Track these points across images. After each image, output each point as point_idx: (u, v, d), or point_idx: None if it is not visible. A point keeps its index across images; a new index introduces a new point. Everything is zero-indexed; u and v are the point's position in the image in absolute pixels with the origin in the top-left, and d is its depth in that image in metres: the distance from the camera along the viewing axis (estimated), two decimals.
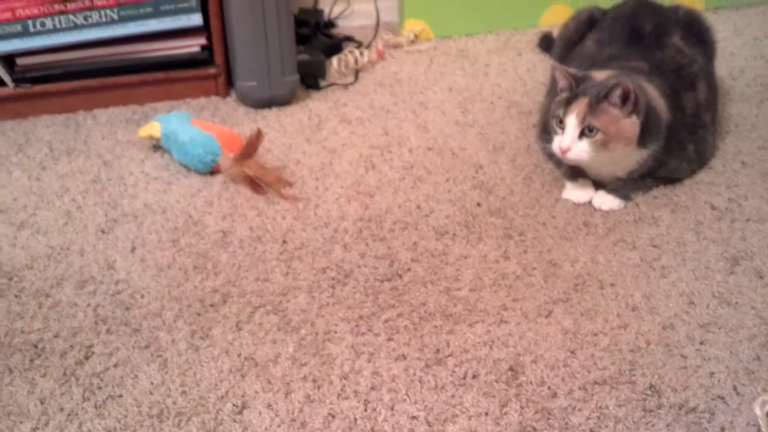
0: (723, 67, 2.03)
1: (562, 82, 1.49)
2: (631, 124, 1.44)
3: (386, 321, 1.26)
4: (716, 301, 1.30)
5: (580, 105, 1.43)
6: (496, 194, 1.58)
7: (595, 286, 1.33)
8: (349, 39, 2.26)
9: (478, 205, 1.55)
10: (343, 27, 2.34)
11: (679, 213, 1.51)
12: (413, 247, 1.43)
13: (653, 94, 1.51)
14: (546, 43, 2.15)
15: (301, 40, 2.15)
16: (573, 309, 1.29)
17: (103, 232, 1.47)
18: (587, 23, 1.79)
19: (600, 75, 1.49)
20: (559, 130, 1.47)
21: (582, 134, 1.44)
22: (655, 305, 1.29)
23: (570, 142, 1.44)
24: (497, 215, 1.52)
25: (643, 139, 1.47)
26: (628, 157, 1.49)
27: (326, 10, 2.33)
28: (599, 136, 1.43)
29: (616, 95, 1.42)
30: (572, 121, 1.44)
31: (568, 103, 1.45)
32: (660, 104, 1.51)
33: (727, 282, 1.34)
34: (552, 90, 1.77)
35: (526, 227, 1.48)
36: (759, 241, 1.43)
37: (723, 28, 2.28)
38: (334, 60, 2.08)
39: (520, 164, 1.68)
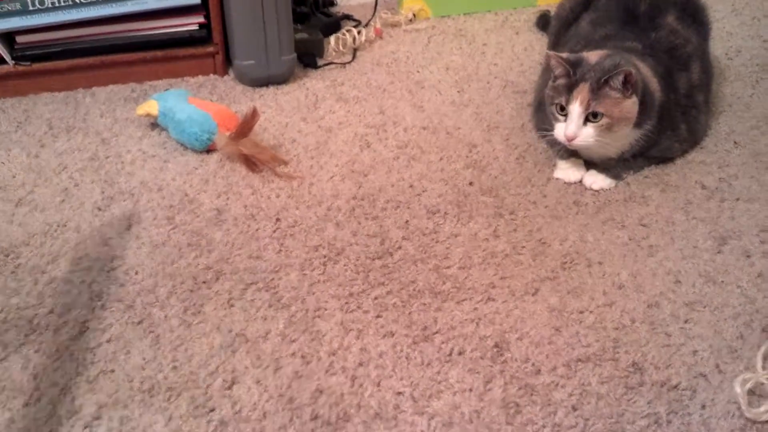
0: (720, 46, 2.03)
1: (558, 69, 1.49)
2: (632, 105, 1.45)
3: (376, 298, 1.28)
4: (702, 279, 1.31)
5: (583, 91, 1.44)
6: (488, 173, 1.59)
7: (583, 265, 1.35)
8: (348, 18, 2.26)
9: (471, 184, 1.56)
10: (342, 5, 2.34)
11: (669, 192, 1.52)
12: (405, 225, 1.45)
13: (646, 73, 1.52)
14: (544, 22, 2.15)
15: (300, 18, 2.16)
16: (560, 287, 1.30)
17: (99, 209, 1.49)
18: (583, 3, 1.79)
19: (593, 56, 1.49)
20: (561, 117, 1.47)
21: (587, 120, 1.45)
22: (641, 283, 1.31)
23: (576, 129, 1.45)
24: (489, 194, 1.53)
25: (638, 119, 1.47)
26: (623, 138, 1.50)
27: None
28: (604, 121, 1.44)
29: (618, 80, 1.42)
30: (576, 108, 1.44)
31: (569, 89, 1.46)
32: (653, 83, 1.52)
33: (714, 261, 1.35)
34: (546, 70, 1.77)
35: (517, 206, 1.50)
36: (747, 221, 1.44)
37: (722, 7, 2.28)
38: (332, 39, 2.09)
39: (513, 143, 1.69)
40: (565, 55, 1.49)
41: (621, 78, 1.42)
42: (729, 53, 2.03)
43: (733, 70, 1.95)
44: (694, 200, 1.50)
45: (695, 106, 1.62)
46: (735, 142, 1.66)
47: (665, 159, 1.58)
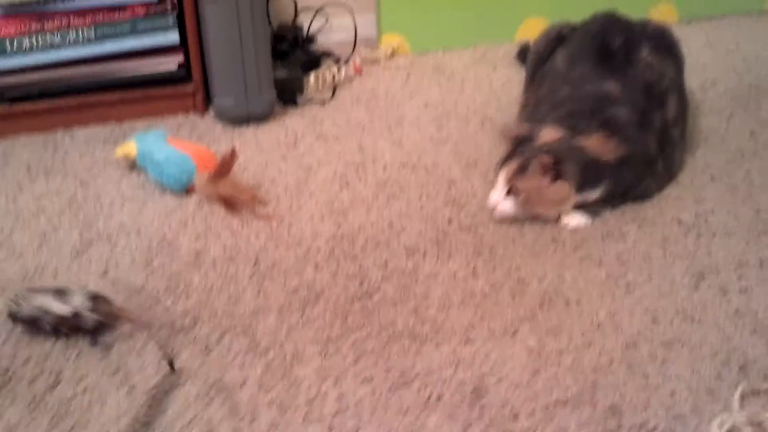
0: (695, 79, 2.05)
1: (506, 142, 1.57)
2: (556, 191, 1.49)
3: (354, 342, 1.28)
4: (680, 317, 1.32)
5: (511, 167, 1.50)
6: (467, 210, 1.60)
7: (561, 304, 1.35)
8: (328, 54, 2.27)
9: (450, 221, 1.57)
10: (322, 42, 2.35)
11: (646, 228, 1.53)
12: (384, 265, 1.45)
13: (594, 145, 1.51)
14: (524, 54, 2.16)
15: (280, 56, 2.17)
16: (539, 327, 1.31)
17: (77, 253, 1.49)
18: (556, 40, 1.81)
19: (546, 135, 1.53)
20: (497, 182, 1.54)
21: (510, 192, 1.50)
22: (619, 322, 1.31)
23: (497, 198, 1.52)
24: (468, 232, 1.54)
25: (583, 187, 1.50)
26: (568, 203, 1.52)
27: (305, 25, 2.34)
28: (522, 198, 1.50)
29: (535, 166, 1.47)
30: (501, 180, 1.52)
31: (504, 161, 1.54)
32: (607, 150, 1.52)
33: (692, 298, 1.36)
34: (523, 111, 1.79)
35: (496, 243, 1.50)
36: (724, 256, 1.45)
37: (696, 39, 2.31)
38: (312, 76, 2.10)
39: (491, 180, 1.69)
40: (516, 130, 1.57)
41: (536, 165, 1.47)
42: (704, 85, 2.05)
43: (708, 103, 1.97)
44: (671, 236, 1.51)
45: (671, 143, 1.63)
46: (711, 176, 1.68)
47: (643, 197, 1.59)
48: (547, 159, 1.46)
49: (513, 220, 1.55)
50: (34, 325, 1.26)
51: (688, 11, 2.45)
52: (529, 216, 1.53)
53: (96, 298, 1.26)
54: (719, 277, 1.40)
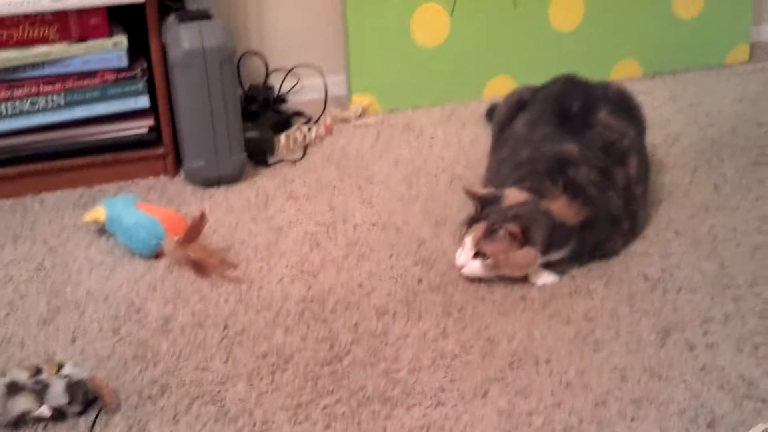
0: (658, 134, 2.09)
1: (472, 203, 1.58)
2: (523, 256, 1.51)
3: (324, 408, 1.27)
4: (647, 375, 1.33)
5: (478, 229, 1.52)
6: (437, 270, 1.61)
7: (531, 363, 1.36)
8: (299, 114, 2.30)
9: (420, 281, 1.58)
10: (294, 102, 2.38)
11: (613, 285, 1.55)
12: (354, 327, 1.45)
13: (560, 207, 1.54)
14: (492, 113, 2.20)
15: (251, 116, 2.19)
16: (509, 387, 1.31)
17: (45, 322, 1.48)
18: (518, 105, 1.85)
19: (511, 198, 1.55)
20: (462, 244, 1.54)
21: (477, 255, 1.52)
22: (588, 381, 1.32)
23: (465, 260, 1.53)
24: (437, 292, 1.54)
25: (549, 250, 1.52)
26: (534, 266, 1.54)
27: (276, 85, 2.38)
28: (490, 261, 1.51)
29: (502, 233, 1.49)
30: (468, 243, 1.53)
31: (470, 223, 1.55)
32: (570, 213, 1.54)
33: (659, 355, 1.37)
34: (488, 170, 1.82)
35: (466, 303, 1.51)
36: (690, 312, 1.47)
37: (660, 94, 2.36)
38: (283, 136, 2.12)
39: (460, 238, 1.71)
40: (481, 191, 1.59)
41: (503, 233, 1.49)
42: (667, 140, 2.09)
43: (671, 157, 2.01)
44: (638, 292, 1.52)
45: (635, 200, 1.66)
46: (676, 231, 1.70)
47: (609, 255, 1.62)
48: (514, 228, 1.48)
49: (480, 279, 1.56)
50: (16, 425, 1.24)
51: (652, 66, 2.51)
52: (494, 277, 1.54)
53: (72, 386, 1.24)
54: (685, 333, 1.42)
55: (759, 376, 1.31)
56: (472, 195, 1.57)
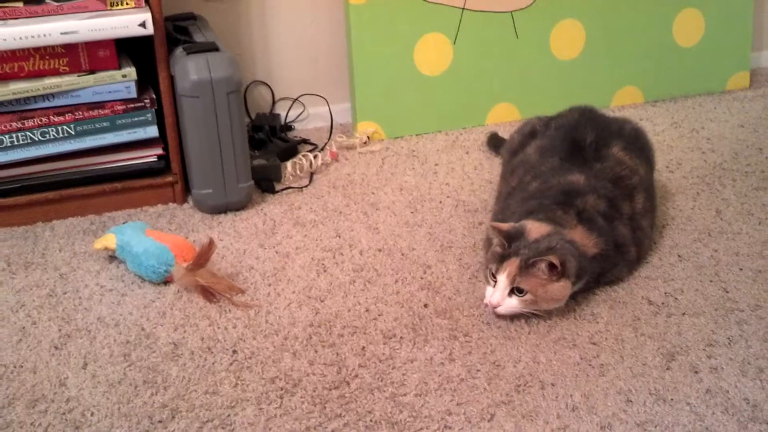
0: (661, 160, 2.12)
1: (495, 239, 1.54)
2: (560, 288, 1.50)
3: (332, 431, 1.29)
4: (652, 398, 1.34)
5: (512, 265, 1.49)
6: (442, 294, 1.63)
7: (537, 387, 1.37)
8: (305, 141, 2.34)
9: (425, 306, 1.60)
10: (300, 130, 2.42)
11: (617, 309, 1.56)
12: (361, 352, 1.47)
13: (581, 236, 1.55)
14: (493, 142, 2.23)
15: (257, 144, 2.23)
16: (515, 411, 1.32)
17: (56, 348, 1.50)
18: (531, 134, 1.87)
19: (534, 231, 1.52)
20: (492, 282, 1.52)
21: (512, 292, 1.50)
22: (593, 405, 1.33)
23: (500, 299, 1.50)
24: (443, 316, 1.56)
25: (577, 281, 1.53)
26: (566, 297, 1.54)
27: (282, 114, 2.41)
28: (528, 297, 1.49)
29: (543, 266, 1.47)
30: (503, 280, 1.49)
31: (501, 260, 1.51)
32: (589, 243, 1.55)
33: (663, 378, 1.38)
34: (499, 198, 1.83)
35: (471, 327, 1.53)
36: (694, 335, 1.48)
37: (661, 121, 2.39)
38: (289, 164, 2.15)
39: (466, 263, 1.73)
40: (505, 226, 1.53)
41: (545, 265, 1.47)
42: (670, 166, 2.12)
43: (674, 182, 2.03)
44: (642, 316, 1.54)
45: (640, 228, 1.67)
46: (679, 256, 1.72)
47: (615, 281, 1.63)
48: (555, 260, 1.46)
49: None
50: None
51: (653, 93, 2.54)
52: (528, 312, 1.52)
53: None
54: (689, 356, 1.43)
55: (763, 399, 1.32)
56: (497, 231, 1.52)
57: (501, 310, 1.51)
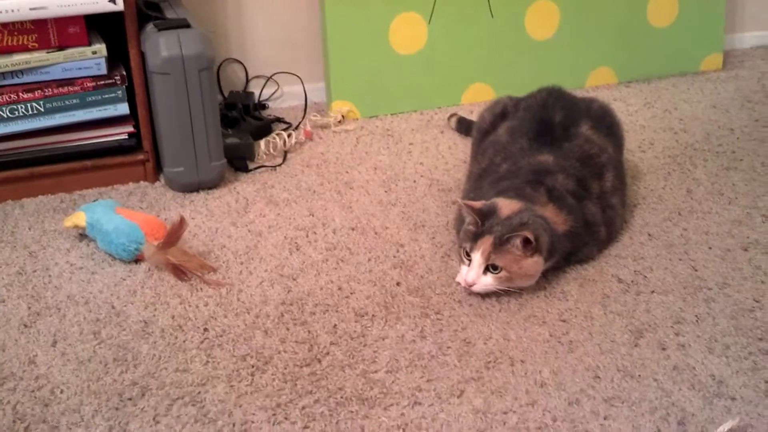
0: (633, 140, 2.13)
1: (468, 218, 1.54)
2: (534, 264, 1.51)
3: (303, 408, 1.29)
4: (620, 374, 1.35)
5: (486, 243, 1.49)
6: (415, 273, 1.63)
7: (506, 363, 1.38)
8: (279, 120, 2.32)
9: (398, 284, 1.60)
10: (274, 108, 2.41)
11: (587, 287, 1.57)
12: (333, 330, 1.47)
13: (551, 213, 1.56)
14: (463, 125, 2.22)
15: (231, 122, 2.21)
16: (484, 387, 1.33)
17: (25, 326, 1.49)
18: (501, 114, 1.87)
19: (506, 208, 1.53)
20: (466, 261, 1.53)
21: (487, 269, 1.50)
22: (562, 381, 1.34)
23: (475, 277, 1.50)
24: (415, 294, 1.57)
25: (549, 257, 1.54)
26: (539, 273, 1.55)
27: (256, 92, 2.39)
28: (503, 273, 1.50)
29: (517, 242, 1.48)
30: (477, 258, 1.50)
31: (475, 238, 1.51)
32: (559, 220, 1.56)
33: (631, 355, 1.40)
34: (470, 177, 1.84)
35: (443, 305, 1.53)
36: (662, 313, 1.50)
37: (634, 101, 2.40)
38: (262, 142, 2.14)
39: (439, 242, 1.73)
40: (477, 204, 1.54)
41: (519, 240, 1.48)
42: (642, 146, 2.13)
43: (646, 162, 2.05)
44: (611, 294, 1.55)
45: (611, 207, 1.69)
46: (649, 235, 1.73)
47: (585, 260, 1.64)
48: (530, 234, 1.46)
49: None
50: None
51: (627, 74, 2.55)
52: (501, 290, 1.52)
53: None
54: (657, 333, 1.45)
55: (729, 376, 1.34)
56: (470, 209, 1.53)
57: (476, 288, 1.51)
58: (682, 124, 2.26)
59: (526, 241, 1.48)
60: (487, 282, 1.51)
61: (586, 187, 1.65)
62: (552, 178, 1.62)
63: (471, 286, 1.51)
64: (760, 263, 1.63)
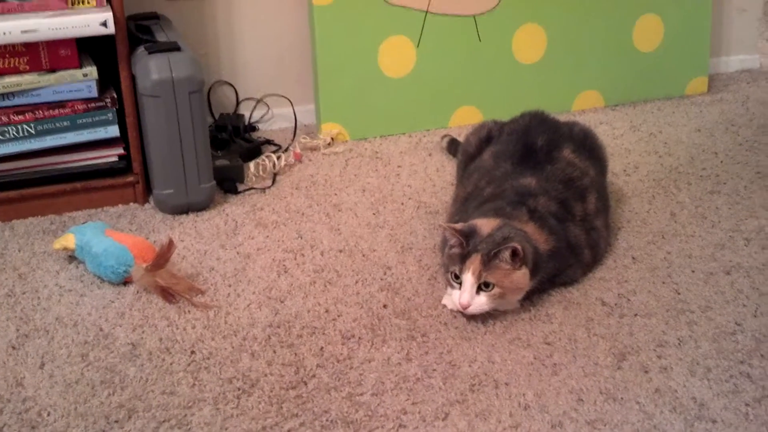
0: (618, 163, 2.16)
1: (452, 240, 1.56)
2: (522, 276, 1.52)
3: (289, 431, 1.30)
4: (603, 397, 1.37)
5: (475, 262, 1.50)
6: (402, 295, 1.65)
7: (491, 386, 1.40)
8: (269, 142, 2.34)
9: (385, 306, 1.61)
10: (264, 131, 2.43)
11: (571, 310, 1.59)
12: (320, 352, 1.48)
13: (533, 231, 1.58)
14: (454, 147, 2.24)
15: (221, 144, 2.23)
16: (469, 410, 1.34)
17: (13, 348, 1.49)
18: (486, 139, 1.90)
19: (485, 226, 1.55)
20: (456, 285, 1.54)
21: (479, 289, 1.51)
22: (545, 403, 1.35)
23: (469, 298, 1.51)
24: (402, 317, 1.58)
25: (533, 275, 1.55)
26: (528, 286, 1.57)
27: (246, 114, 2.42)
28: (495, 290, 1.51)
29: (506, 254, 1.50)
30: (469, 278, 1.50)
31: (462, 259, 1.52)
32: (541, 240, 1.58)
33: (614, 377, 1.41)
34: (456, 201, 1.86)
35: (429, 328, 1.55)
36: (645, 336, 1.51)
37: (620, 125, 2.43)
38: (252, 164, 2.16)
39: (426, 264, 1.75)
40: (459, 226, 1.55)
41: (509, 253, 1.50)
42: (627, 169, 2.16)
43: (630, 186, 2.07)
44: (595, 317, 1.57)
45: (594, 229, 1.71)
46: (633, 258, 1.76)
47: (569, 282, 1.66)
48: (518, 245, 1.48)
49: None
50: None
51: (614, 97, 2.58)
52: (495, 310, 1.53)
53: None
54: (640, 356, 1.46)
55: (710, 398, 1.36)
56: (453, 231, 1.54)
57: (472, 309, 1.52)
58: (666, 148, 2.29)
59: (515, 253, 1.50)
60: (482, 302, 1.51)
61: (569, 209, 1.67)
62: (534, 199, 1.65)
63: (466, 308, 1.52)
64: (742, 287, 1.65)
